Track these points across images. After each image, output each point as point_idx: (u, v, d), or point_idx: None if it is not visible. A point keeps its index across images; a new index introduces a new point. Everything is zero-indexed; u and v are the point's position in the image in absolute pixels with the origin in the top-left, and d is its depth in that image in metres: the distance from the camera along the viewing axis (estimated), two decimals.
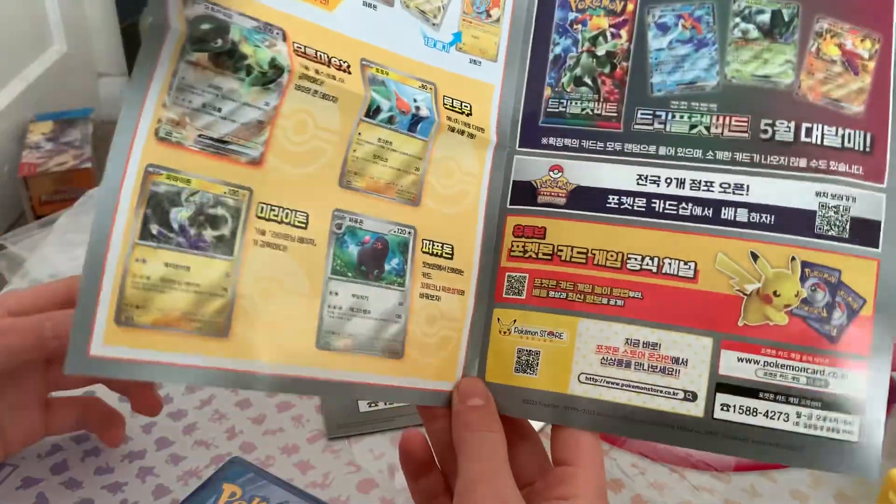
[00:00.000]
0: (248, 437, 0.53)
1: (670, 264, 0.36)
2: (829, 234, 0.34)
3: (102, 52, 1.35)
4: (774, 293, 0.34)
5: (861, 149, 0.35)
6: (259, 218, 0.33)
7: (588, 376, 0.36)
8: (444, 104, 0.38)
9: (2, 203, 1.05)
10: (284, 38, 0.34)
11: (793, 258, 0.34)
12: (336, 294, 0.35)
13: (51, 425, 0.49)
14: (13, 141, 1.10)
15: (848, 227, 0.34)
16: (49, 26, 1.25)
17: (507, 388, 0.37)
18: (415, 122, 0.37)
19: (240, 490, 0.46)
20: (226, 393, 0.57)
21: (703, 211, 0.36)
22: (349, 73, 0.35)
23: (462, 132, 0.38)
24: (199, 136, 0.32)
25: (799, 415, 0.34)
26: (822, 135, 0.35)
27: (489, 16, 0.39)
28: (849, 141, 0.35)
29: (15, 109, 1.12)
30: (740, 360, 0.34)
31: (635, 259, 0.36)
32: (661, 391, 0.35)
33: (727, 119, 0.36)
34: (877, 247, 0.34)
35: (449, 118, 0.38)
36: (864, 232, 0.34)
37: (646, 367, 0.35)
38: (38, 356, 0.45)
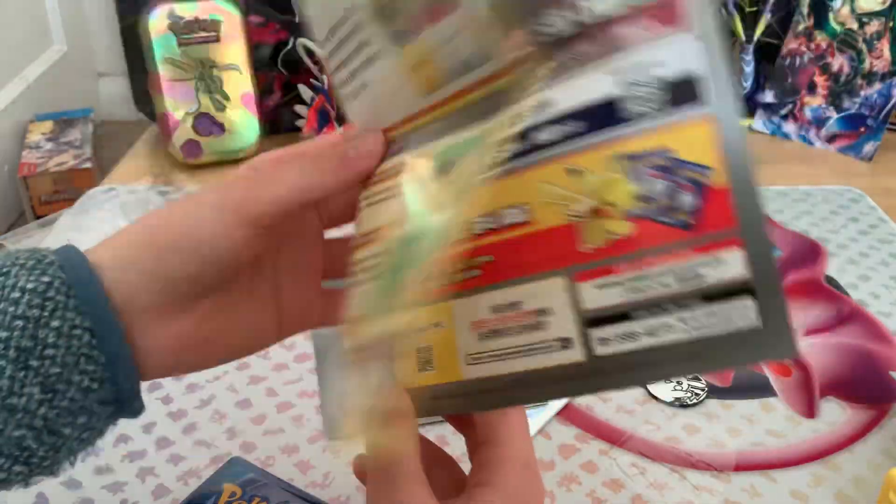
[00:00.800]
0: (249, 437, 0.53)
1: (505, 215, 0.33)
2: (645, 112, 0.29)
3: (102, 51, 1.35)
4: (608, 203, 0.30)
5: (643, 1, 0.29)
6: None
7: (473, 357, 0.34)
8: None
9: (2, 203, 1.05)
10: None
11: (613, 157, 0.29)
12: None
13: (327, 313, 0.41)
14: (13, 141, 1.10)
15: (663, 96, 0.29)
16: (49, 26, 1.25)
17: (415, 389, 0.36)
18: None
19: (240, 490, 0.46)
20: (226, 393, 0.57)
21: (518, 147, 0.32)
22: None
23: None
24: None
25: (684, 321, 0.29)
26: (592, 7, 0.30)
27: None
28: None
29: (14, 109, 1.12)
30: (599, 287, 0.30)
31: (477, 223, 0.34)
32: (537, 348, 0.32)
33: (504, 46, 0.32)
34: (705, 104, 0.28)
35: None
36: (684, 93, 0.29)
37: (515, 329, 0.32)
38: (340, 186, 0.36)
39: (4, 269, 0.32)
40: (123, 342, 0.34)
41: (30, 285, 0.32)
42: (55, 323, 0.32)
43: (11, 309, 0.31)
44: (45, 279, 0.32)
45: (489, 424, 0.34)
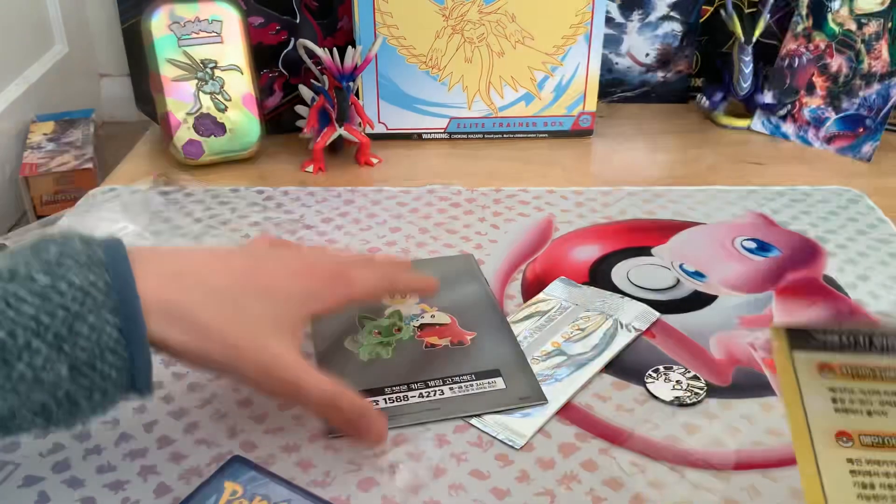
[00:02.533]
0: (250, 435, 0.53)
1: None
2: None
3: (104, 52, 1.36)
4: None
5: None
6: None
7: None
8: None
9: (3, 203, 1.05)
10: None
11: None
12: None
13: None
14: (14, 141, 1.11)
15: None
16: (51, 27, 1.25)
17: None
18: None
19: (241, 488, 0.46)
20: (227, 392, 0.57)
21: None
22: None
23: None
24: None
25: None
26: None
27: None
28: None
29: (16, 110, 1.13)
30: None
31: None
32: None
33: None
34: None
35: None
36: None
37: None
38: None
39: (60, 261, 0.40)
40: (146, 342, 0.41)
41: (77, 281, 0.39)
42: (91, 319, 0.39)
43: (57, 298, 0.38)
44: (91, 277, 0.40)
45: None
